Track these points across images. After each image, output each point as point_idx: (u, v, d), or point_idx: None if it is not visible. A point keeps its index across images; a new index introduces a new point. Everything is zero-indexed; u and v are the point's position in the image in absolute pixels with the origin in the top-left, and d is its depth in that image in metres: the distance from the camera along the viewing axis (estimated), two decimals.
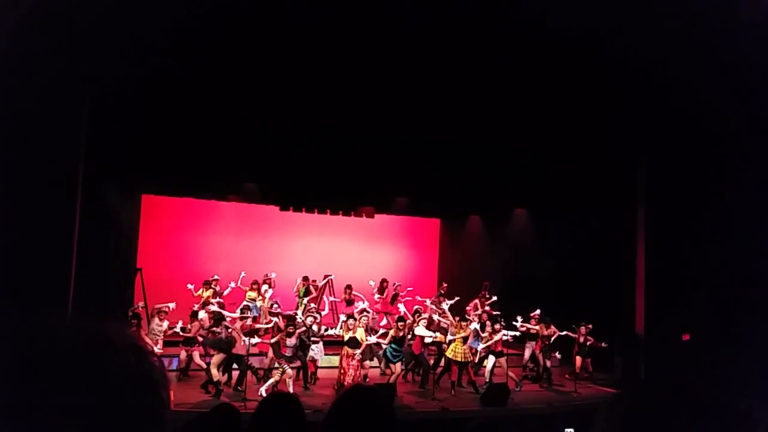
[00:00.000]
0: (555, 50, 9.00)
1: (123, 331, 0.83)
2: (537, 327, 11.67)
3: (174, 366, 10.56)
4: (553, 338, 11.67)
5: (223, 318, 10.34)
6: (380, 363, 10.83)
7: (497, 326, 11.01)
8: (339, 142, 11.62)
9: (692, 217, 11.31)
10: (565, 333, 11.72)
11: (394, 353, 10.34)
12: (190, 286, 11.73)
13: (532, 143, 11.85)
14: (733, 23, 7.76)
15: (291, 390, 9.17)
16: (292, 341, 9.71)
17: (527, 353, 11.98)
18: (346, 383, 9.75)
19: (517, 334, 11.46)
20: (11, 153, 8.30)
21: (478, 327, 10.87)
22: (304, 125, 11.34)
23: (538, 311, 12.02)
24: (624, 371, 11.92)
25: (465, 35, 8.58)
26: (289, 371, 9.55)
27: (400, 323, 10.59)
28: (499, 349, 11.01)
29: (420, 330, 10.75)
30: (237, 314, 10.08)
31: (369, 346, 10.38)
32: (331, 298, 13.46)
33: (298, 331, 9.90)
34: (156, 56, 9.09)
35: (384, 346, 10.53)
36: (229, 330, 9.83)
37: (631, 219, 12.39)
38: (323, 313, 11.97)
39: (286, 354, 9.62)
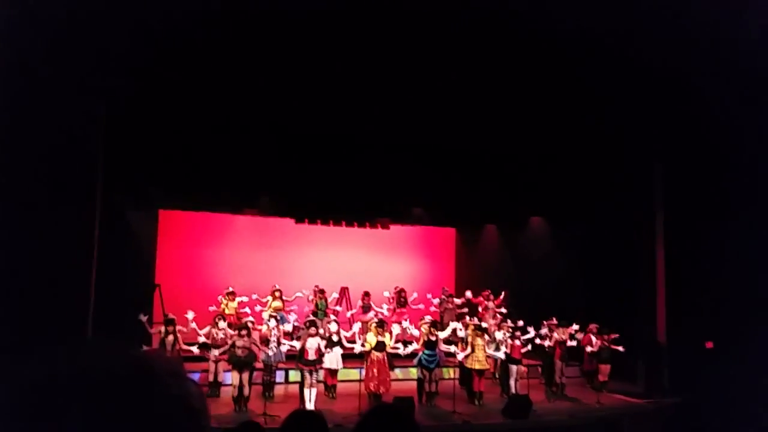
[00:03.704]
0: (571, 57, 8.94)
1: (163, 358, 0.82)
2: (563, 336, 11.48)
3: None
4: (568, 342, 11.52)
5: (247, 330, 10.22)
6: (422, 372, 10.56)
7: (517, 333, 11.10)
8: (353, 154, 11.63)
9: (711, 223, 11.16)
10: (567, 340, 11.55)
11: (429, 358, 10.28)
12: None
13: (548, 151, 11.79)
14: (753, 32, 7.68)
15: (312, 405, 9.12)
16: (314, 344, 9.69)
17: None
18: (372, 389, 9.72)
19: (536, 341, 11.35)
20: (30, 170, 8.39)
21: (501, 336, 10.89)
22: (319, 137, 11.38)
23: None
24: (647, 380, 11.73)
25: (480, 44, 8.56)
26: (312, 381, 9.52)
27: (432, 328, 10.59)
28: (518, 357, 10.94)
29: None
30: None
31: (390, 356, 10.32)
32: (349, 313, 13.43)
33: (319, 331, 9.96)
34: (172, 72, 9.16)
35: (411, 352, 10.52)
36: (249, 344, 9.80)
37: (650, 226, 12.25)
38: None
39: (309, 358, 9.59)
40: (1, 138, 8.10)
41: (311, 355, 9.67)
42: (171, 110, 10.02)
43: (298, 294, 12.58)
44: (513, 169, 12.50)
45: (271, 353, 9.85)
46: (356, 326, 10.92)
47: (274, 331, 10.07)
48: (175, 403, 0.75)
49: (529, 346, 11.23)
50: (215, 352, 9.97)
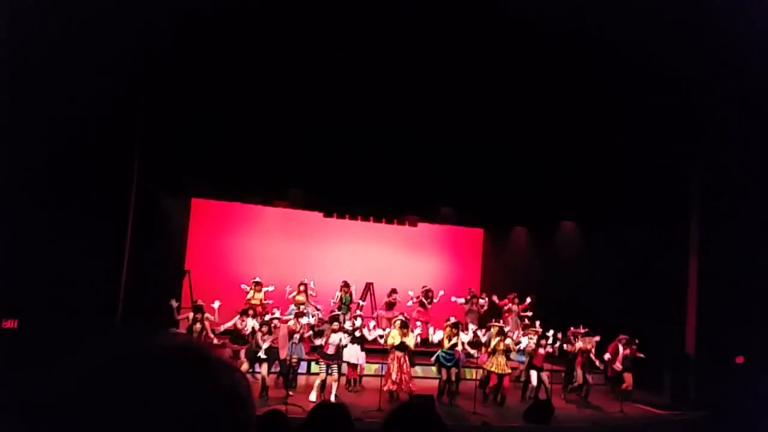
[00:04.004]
0: (606, 61, 8.83)
1: (212, 347, 0.83)
2: (588, 345, 11.28)
3: None
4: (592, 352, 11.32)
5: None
6: (441, 371, 10.60)
7: (543, 341, 10.98)
8: (384, 150, 11.66)
9: (747, 234, 10.89)
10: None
11: (447, 357, 10.30)
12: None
13: (581, 154, 11.64)
14: None
15: (333, 398, 9.19)
16: (335, 339, 9.76)
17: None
18: (390, 386, 9.75)
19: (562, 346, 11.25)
20: (68, 158, 8.60)
21: (528, 341, 10.82)
22: (350, 133, 11.44)
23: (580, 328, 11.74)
24: (673, 392, 11.52)
25: (516, 46, 8.50)
26: (334, 375, 9.59)
27: (453, 329, 10.59)
28: (540, 364, 10.84)
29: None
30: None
31: (411, 354, 10.34)
32: (375, 314, 13.49)
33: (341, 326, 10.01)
34: (208, 63, 9.31)
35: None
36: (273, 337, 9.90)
37: (684, 233, 11.99)
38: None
39: (328, 352, 9.67)
40: (41, 126, 8.33)
41: (331, 350, 9.74)
42: (206, 101, 10.18)
43: (304, 280, 12.65)
44: (545, 171, 12.36)
45: (289, 350, 9.96)
46: (376, 329, 10.99)
47: (300, 326, 10.18)
48: (226, 392, 0.75)
49: (556, 346, 11.14)
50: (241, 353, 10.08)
